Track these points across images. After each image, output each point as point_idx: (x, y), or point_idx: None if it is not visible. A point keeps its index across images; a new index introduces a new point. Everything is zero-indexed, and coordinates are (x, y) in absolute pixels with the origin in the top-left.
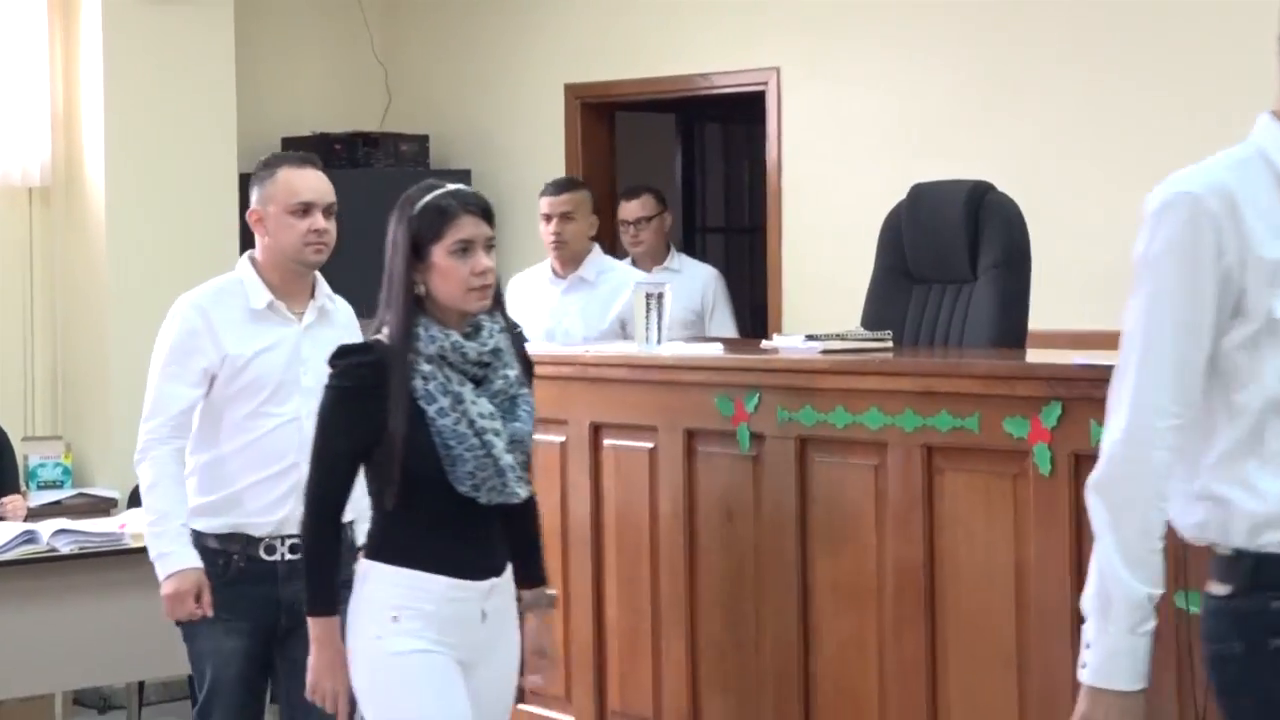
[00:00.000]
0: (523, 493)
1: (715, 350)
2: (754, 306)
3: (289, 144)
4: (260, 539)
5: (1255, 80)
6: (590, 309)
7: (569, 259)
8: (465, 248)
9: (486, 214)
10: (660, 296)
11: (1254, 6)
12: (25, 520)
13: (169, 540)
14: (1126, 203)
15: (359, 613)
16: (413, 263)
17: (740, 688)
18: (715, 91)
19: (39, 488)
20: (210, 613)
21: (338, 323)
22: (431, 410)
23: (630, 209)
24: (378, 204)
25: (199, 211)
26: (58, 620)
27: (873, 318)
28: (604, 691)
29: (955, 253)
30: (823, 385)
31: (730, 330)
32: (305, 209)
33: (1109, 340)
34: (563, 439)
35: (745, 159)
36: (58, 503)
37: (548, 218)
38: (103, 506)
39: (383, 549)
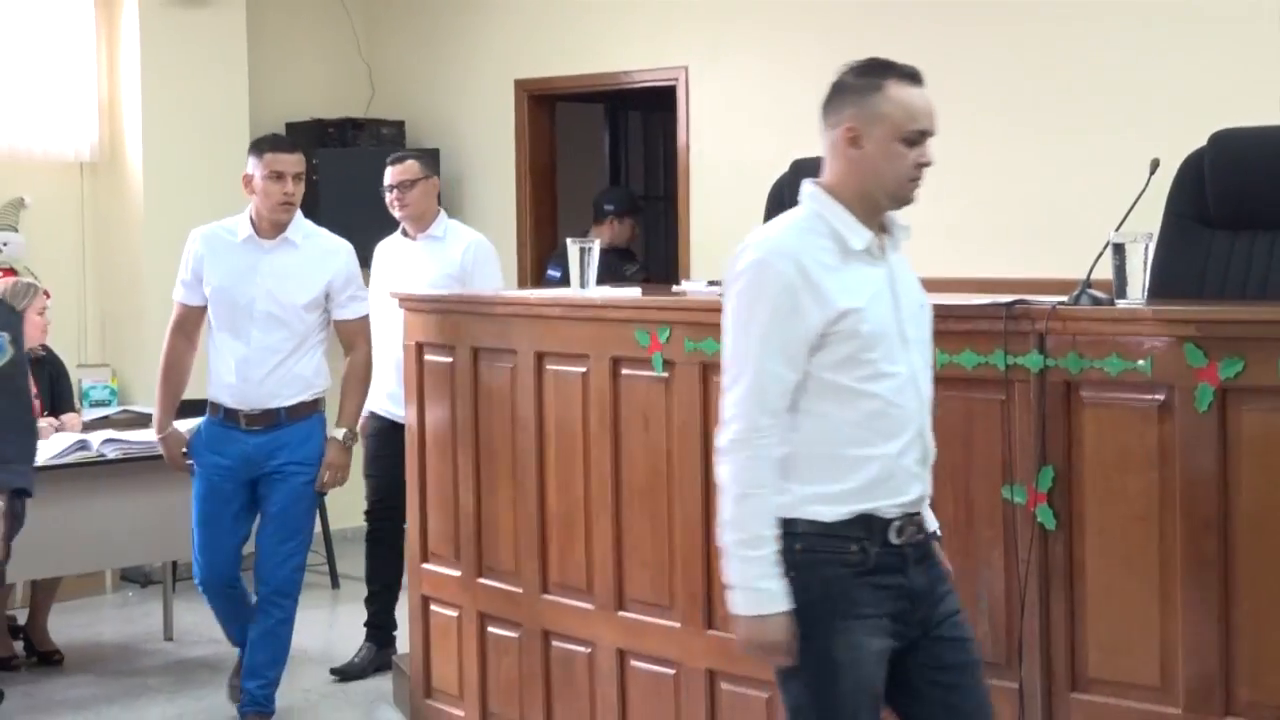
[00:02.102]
0: None
1: (635, 293)
2: (668, 258)
3: (291, 127)
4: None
5: (1094, 51)
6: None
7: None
8: None
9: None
10: (590, 250)
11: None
12: (80, 432)
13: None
14: (963, 169)
15: None
16: None
17: (655, 562)
18: (636, 85)
19: (91, 406)
20: None
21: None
22: None
23: (394, 173)
24: (363, 176)
25: (218, 181)
26: (106, 512)
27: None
28: (546, 566)
29: None
30: (720, 321)
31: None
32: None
33: (950, 285)
34: (512, 365)
35: (660, 140)
36: (106, 418)
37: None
38: (142, 420)
39: None
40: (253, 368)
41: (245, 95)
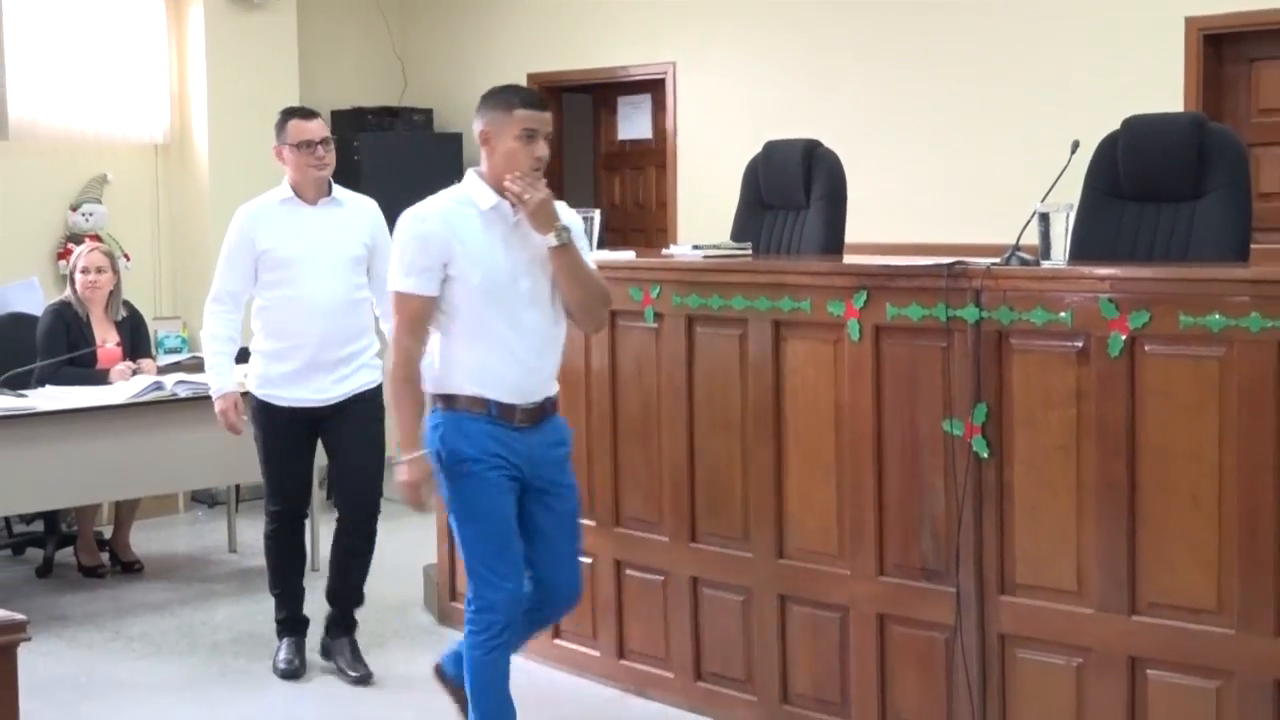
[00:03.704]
0: None
1: (629, 256)
2: (658, 227)
3: (336, 115)
4: None
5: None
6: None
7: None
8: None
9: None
10: (591, 219)
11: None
12: (156, 375)
13: None
14: (911, 151)
15: None
16: None
17: (648, 487)
18: (631, 79)
19: (165, 353)
20: None
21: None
22: None
23: (314, 128)
24: (397, 158)
25: (273, 161)
26: (179, 442)
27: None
28: None
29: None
30: (703, 280)
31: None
32: (308, 144)
33: (900, 249)
34: None
35: (650, 126)
36: (178, 363)
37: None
38: None
39: None
40: (531, 355)
41: (296, 86)
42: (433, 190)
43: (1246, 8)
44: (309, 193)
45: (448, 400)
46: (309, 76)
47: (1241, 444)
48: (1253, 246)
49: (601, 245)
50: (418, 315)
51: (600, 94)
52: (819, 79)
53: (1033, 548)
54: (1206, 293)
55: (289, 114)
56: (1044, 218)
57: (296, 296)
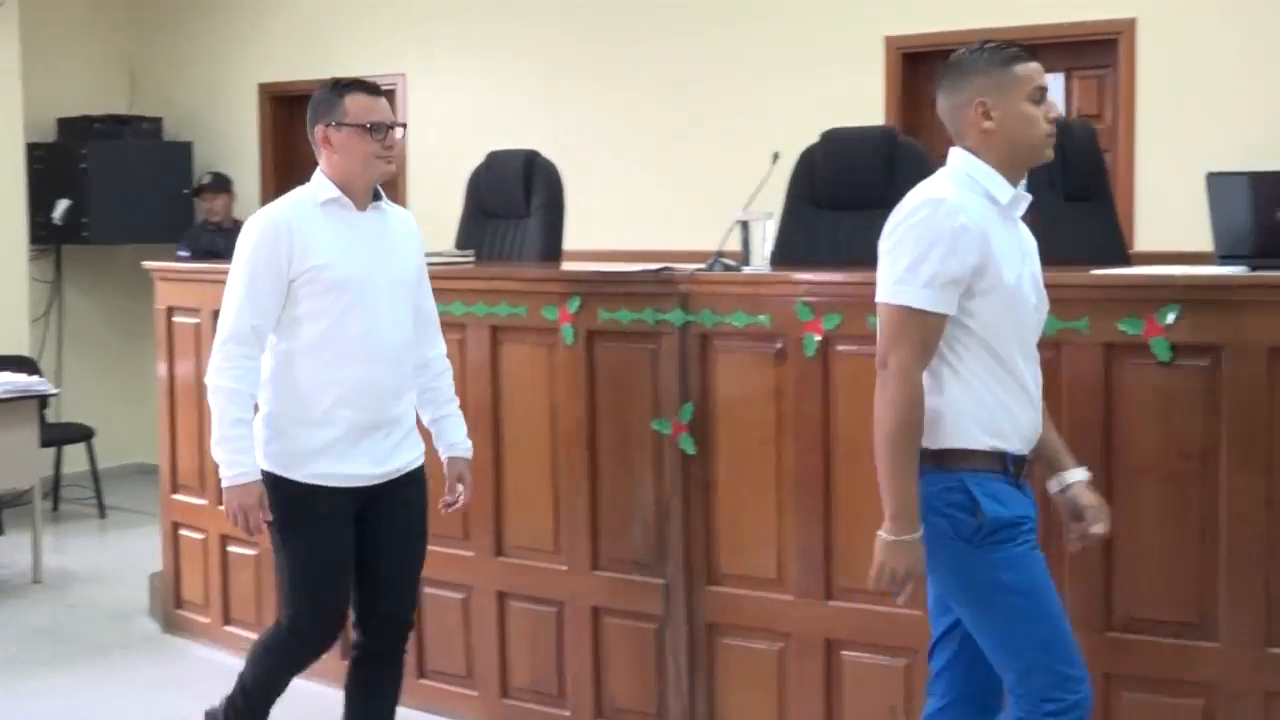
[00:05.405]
0: None
1: None
2: None
3: (62, 123)
4: None
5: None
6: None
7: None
8: None
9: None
10: None
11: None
12: None
13: None
14: (626, 162)
15: None
16: None
17: None
18: None
19: None
20: None
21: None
22: None
23: (384, 107)
24: (125, 167)
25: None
26: None
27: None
28: None
29: None
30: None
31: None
32: (379, 128)
33: (616, 255)
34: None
35: None
36: None
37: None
38: None
39: None
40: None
41: (19, 93)
42: (162, 200)
43: (942, 28)
44: (361, 194)
45: (958, 456)
46: (34, 83)
47: None
48: None
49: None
50: (931, 341)
51: None
52: (541, 93)
53: (737, 539)
54: None
55: (346, 87)
56: (745, 226)
57: (357, 332)
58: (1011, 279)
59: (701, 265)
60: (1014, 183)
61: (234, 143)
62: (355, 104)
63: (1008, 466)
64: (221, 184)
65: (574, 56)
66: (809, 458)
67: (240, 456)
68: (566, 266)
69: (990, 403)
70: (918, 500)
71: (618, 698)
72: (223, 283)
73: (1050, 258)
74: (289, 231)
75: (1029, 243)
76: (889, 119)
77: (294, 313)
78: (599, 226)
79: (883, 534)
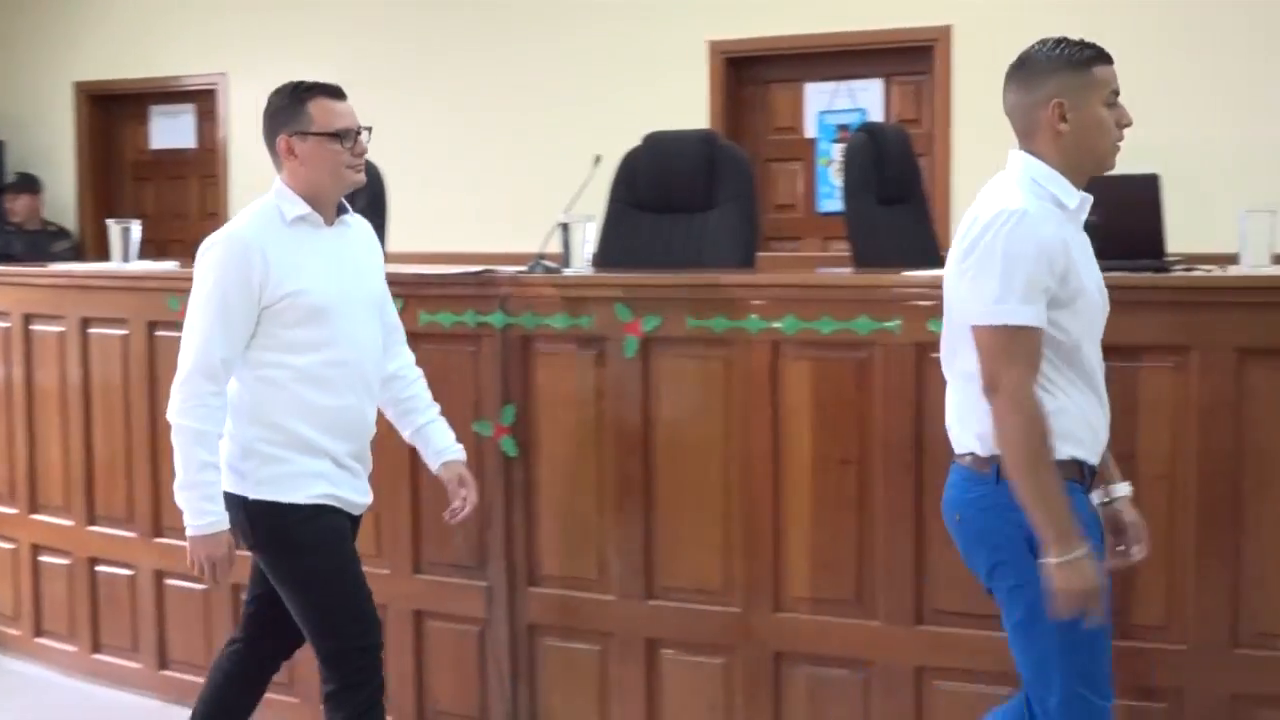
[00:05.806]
0: None
1: (171, 266)
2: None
3: None
4: None
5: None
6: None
7: None
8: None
9: None
10: (129, 229)
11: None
12: None
13: None
14: (450, 167)
15: None
16: None
17: None
18: (181, 89)
19: None
20: None
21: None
22: None
23: (349, 111)
24: None
25: None
26: None
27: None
28: (92, 503)
29: None
30: None
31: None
32: (348, 134)
33: (437, 258)
34: (63, 329)
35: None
36: None
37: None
38: None
39: None
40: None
41: None
42: None
43: (763, 34)
44: (329, 208)
45: None
46: None
47: (743, 437)
48: (765, 254)
49: (142, 256)
50: (1037, 356)
51: (132, 102)
52: (366, 94)
53: (559, 541)
54: (710, 297)
55: (308, 91)
56: (566, 228)
57: (339, 359)
58: (1091, 285)
59: (523, 268)
60: (1078, 186)
61: (48, 142)
62: (320, 110)
63: (1085, 476)
64: (26, 184)
65: (398, 59)
66: (629, 458)
67: (208, 505)
68: (389, 269)
69: (1072, 411)
70: (1072, 515)
71: (440, 700)
72: (16, 285)
73: (863, 260)
74: (261, 254)
75: (1090, 246)
76: (713, 123)
77: (267, 342)
78: (421, 229)
79: (1050, 561)
